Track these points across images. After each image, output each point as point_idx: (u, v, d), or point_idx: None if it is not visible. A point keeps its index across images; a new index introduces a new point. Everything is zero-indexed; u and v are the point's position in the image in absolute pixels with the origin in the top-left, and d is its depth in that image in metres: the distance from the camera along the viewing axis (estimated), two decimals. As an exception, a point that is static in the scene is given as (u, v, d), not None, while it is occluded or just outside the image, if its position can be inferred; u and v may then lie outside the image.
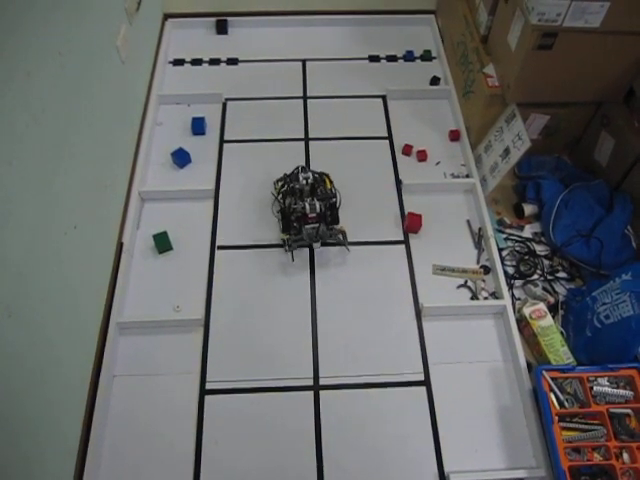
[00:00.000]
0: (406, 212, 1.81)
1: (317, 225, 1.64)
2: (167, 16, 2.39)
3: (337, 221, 1.73)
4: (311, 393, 1.49)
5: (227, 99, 2.15)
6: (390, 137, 2.06)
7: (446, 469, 1.39)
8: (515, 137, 1.75)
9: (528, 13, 1.55)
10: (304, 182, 1.69)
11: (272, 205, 1.81)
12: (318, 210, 1.64)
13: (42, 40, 1.24)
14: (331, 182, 1.75)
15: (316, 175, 1.73)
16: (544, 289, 1.68)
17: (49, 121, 1.26)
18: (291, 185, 1.70)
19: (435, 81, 2.22)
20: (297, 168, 1.74)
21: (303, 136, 2.04)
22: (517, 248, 1.78)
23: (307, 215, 1.64)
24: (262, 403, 1.48)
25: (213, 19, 2.39)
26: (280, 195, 1.74)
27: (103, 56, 1.64)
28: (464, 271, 1.71)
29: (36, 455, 1.16)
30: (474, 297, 1.67)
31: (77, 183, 1.41)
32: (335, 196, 1.70)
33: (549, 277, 1.71)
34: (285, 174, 1.77)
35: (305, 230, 1.65)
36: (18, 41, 1.13)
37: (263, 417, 1.46)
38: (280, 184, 1.77)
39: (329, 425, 1.45)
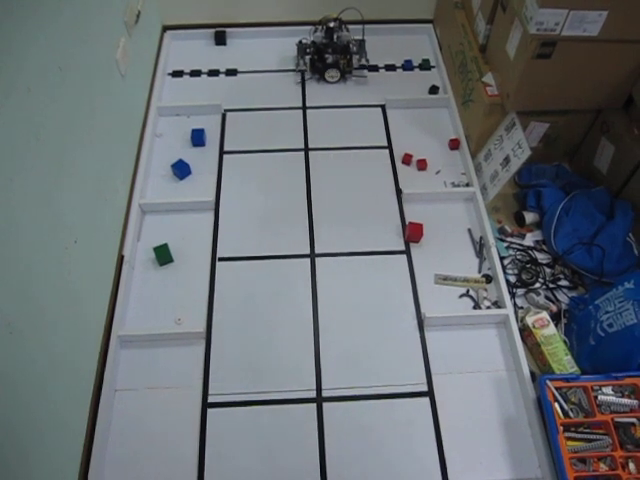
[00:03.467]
0: (407, 221, 1.81)
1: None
2: (166, 28, 2.39)
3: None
4: (314, 405, 1.48)
5: (226, 110, 2.15)
6: (390, 146, 2.06)
7: (451, 481, 1.38)
8: (515, 145, 1.75)
9: (526, 22, 1.55)
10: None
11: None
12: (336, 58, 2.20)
13: (42, 55, 1.24)
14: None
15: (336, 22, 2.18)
16: (546, 297, 1.68)
17: (49, 136, 1.26)
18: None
19: (434, 90, 2.22)
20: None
21: (303, 146, 2.04)
22: (519, 256, 1.77)
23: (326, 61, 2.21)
24: (265, 416, 1.47)
25: (212, 30, 2.40)
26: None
27: (103, 70, 1.64)
28: (466, 280, 1.71)
29: (36, 472, 1.15)
30: (476, 306, 1.66)
31: (77, 197, 1.41)
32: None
33: (551, 285, 1.71)
34: (315, 26, 2.20)
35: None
36: (18, 57, 1.14)
37: (266, 430, 1.45)
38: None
39: (332, 437, 1.44)
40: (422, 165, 1.98)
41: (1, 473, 1.02)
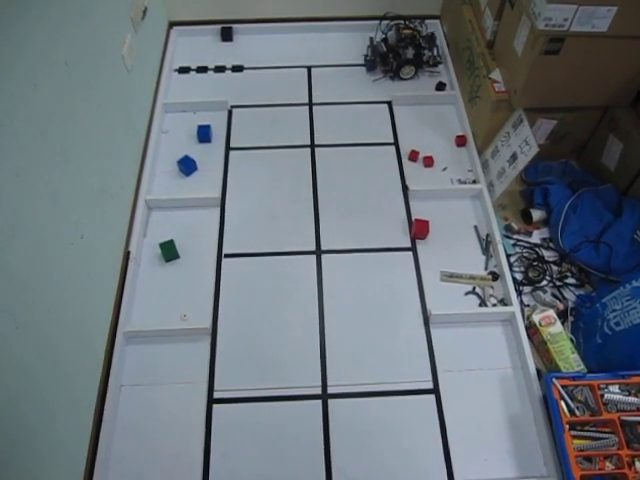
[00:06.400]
0: (413, 218, 1.80)
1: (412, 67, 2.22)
2: (172, 24, 2.40)
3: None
4: (319, 402, 1.48)
5: (233, 106, 2.15)
6: (396, 143, 2.05)
7: (456, 478, 1.38)
8: (522, 142, 1.74)
9: (534, 18, 1.54)
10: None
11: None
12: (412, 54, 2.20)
13: (48, 51, 1.24)
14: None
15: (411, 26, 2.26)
16: (553, 295, 1.67)
17: (55, 131, 1.26)
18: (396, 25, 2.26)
19: (441, 87, 2.21)
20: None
21: (309, 143, 2.04)
22: (525, 254, 1.77)
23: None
24: (270, 412, 1.47)
25: (218, 26, 2.40)
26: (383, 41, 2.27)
27: (109, 65, 1.64)
28: (472, 277, 1.70)
29: (43, 467, 1.16)
30: (482, 304, 1.66)
31: (83, 193, 1.41)
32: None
33: (558, 283, 1.70)
34: (387, 23, 2.27)
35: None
36: (24, 52, 1.14)
37: (271, 426, 1.45)
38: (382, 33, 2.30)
39: (338, 434, 1.44)
40: (429, 162, 1.98)
41: (8, 467, 1.03)
